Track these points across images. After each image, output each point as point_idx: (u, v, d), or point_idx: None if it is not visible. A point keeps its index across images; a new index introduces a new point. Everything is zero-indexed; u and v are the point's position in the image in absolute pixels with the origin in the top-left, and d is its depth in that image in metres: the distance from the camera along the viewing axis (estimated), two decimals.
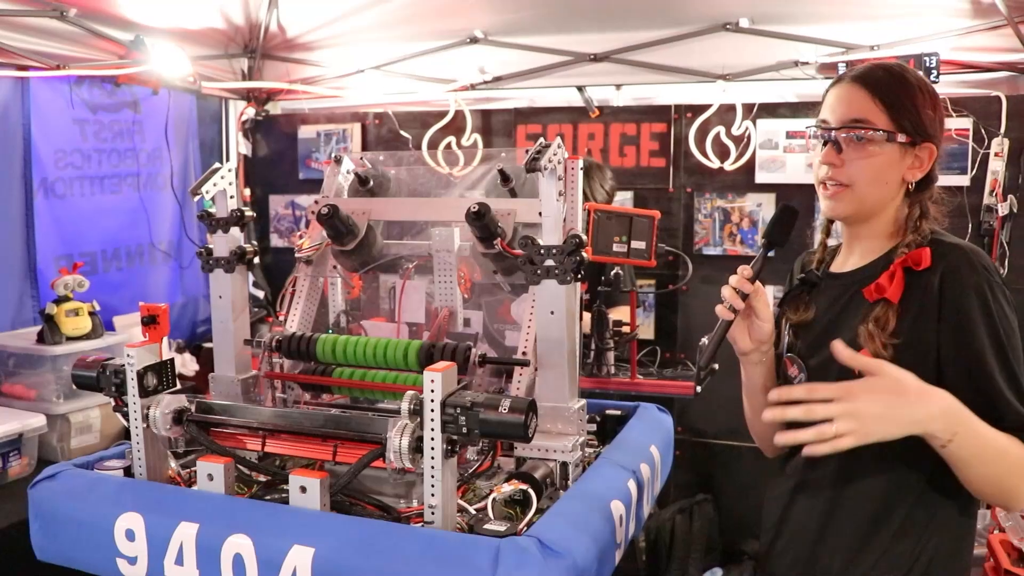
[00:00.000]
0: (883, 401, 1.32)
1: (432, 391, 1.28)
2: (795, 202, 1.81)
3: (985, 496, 1.45)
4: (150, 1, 3.39)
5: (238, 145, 4.33)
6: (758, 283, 1.57)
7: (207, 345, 3.78)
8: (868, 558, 1.53)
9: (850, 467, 1.53)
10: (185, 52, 3.54)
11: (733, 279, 1.55)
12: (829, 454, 1.40)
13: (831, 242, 1.76)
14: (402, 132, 4.08)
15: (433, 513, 1.32)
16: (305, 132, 4.29)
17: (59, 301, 2.95)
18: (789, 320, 1.68)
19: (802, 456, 1.60)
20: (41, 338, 2.93)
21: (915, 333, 1.43)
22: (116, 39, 3.39)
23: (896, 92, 1.52)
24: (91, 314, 3.01)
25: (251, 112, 4.29)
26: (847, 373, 1.40)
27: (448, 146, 3.86)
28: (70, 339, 2.94)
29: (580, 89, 3.81)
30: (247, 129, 4.35)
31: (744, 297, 1.54)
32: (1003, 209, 3.22)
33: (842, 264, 1.66)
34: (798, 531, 1.65)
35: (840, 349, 1.36)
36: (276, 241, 4.42)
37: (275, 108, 4.39)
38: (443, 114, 3.93)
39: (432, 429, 1.29)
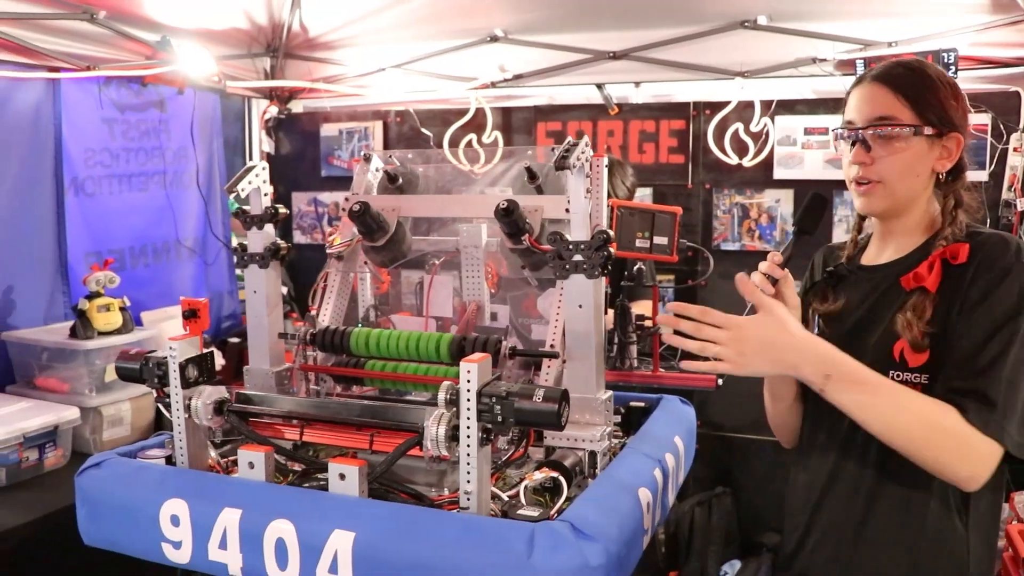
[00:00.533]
0: (764, 339, 1.43)
1: (468, 381, 1.33)
2: (827, 196, 1.83)
3: (913, 458, 1.44)
4: (176, 2, 3.45)
5: (261, 143, 4.40)
6: (786, 270, 1.60)
7: (232, 340, 3.84)
8: (912, 557, 1.56)
9: (888, 459, 1.53)
10: (209, 52, 3.60)
11: (763, 265, 1.58)
12: (865, 445, 1.52)
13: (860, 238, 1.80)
14: (423, 130, 4.14)
15: (469, 499, 1.37)
16: (327, 130, 4.36)
17: (91, 297, 3.01)
18: (817, 310, 1.72)
19: (832, 447, 1.64)
20: (74, 333, 2.99)
21: (949, 323, 1.47)
22: (143, 40, 3.45)
23: (918, 86, 1.56)
24: (122, 309, 3.08)
25: (274, 111, 4.36)
26: (877, 361, 1.48)
27: (469, 143, 3.91)
28: (102, 334, 3.00)
29: (599, 87, 3.85)
30: (270, 127, 4.41)
31: (774, 283, 1.58)
32: (1021, 204, 3.25)
33: (875, 258, 1.69)
34: (833, 526, 1.66)
35: (740, 279, 1.47)
36: (299, 238, 4.49)
37: (297, 107, 4.45)
38: (464, 112, 3.98)
39: (468, 418, 1.34)
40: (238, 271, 4.45)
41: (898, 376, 1.51)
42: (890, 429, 1.43)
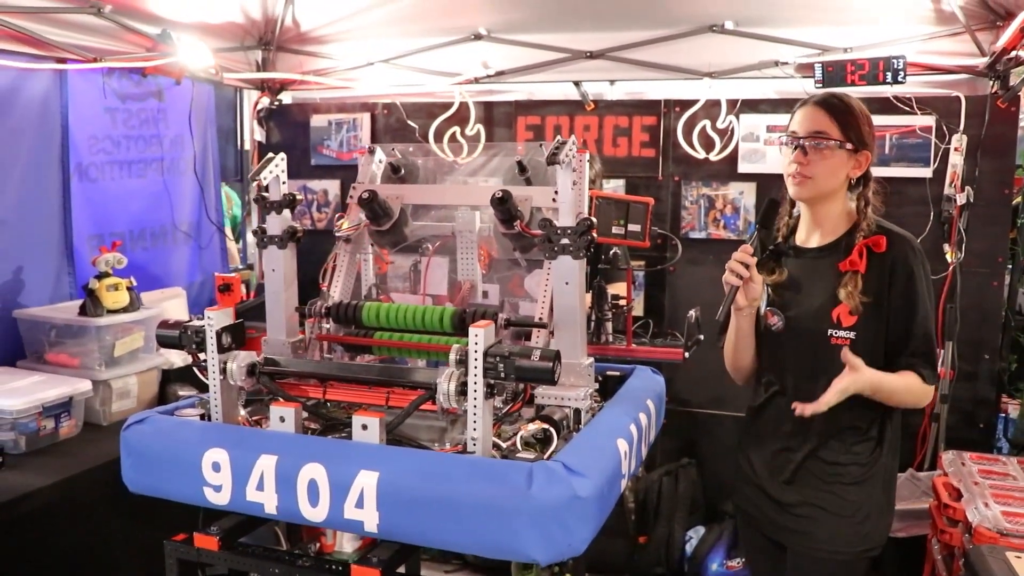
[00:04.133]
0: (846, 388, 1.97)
1: (476, 343, 1.57)
2: (774, 190, 2.22)
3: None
4: None
5: (253, 132, 4.56)
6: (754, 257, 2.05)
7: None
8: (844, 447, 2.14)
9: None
10: (206, 45, 3.78)
11: (737, 255, 2.03)
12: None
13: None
14: (409, 122, 4.32)
15: (475, 444, 1.61)
16: (317, 120, 4.51)
17: (100, 277, 3.19)
18: (766, 281, 2.16)
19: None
20: (83, 311, 3.16)
21: (875, 293, 2.04)
22: (145, 33, 3.61)
23: (844, 113, 2.09)
24: (129, 289, 3.26)
25: (265, 101, 4.52)
26: (820, 322, 2.08)
27: (453, 136, 4.10)
28: (110, 312, 3.17)
29: (577, 84, 4.04)
30: (261, 117, 4.56)
31: (747, 267, 2.03)
32: (961, 199, 3.50)
33: (806, 240, 2.21)
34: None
35: (846, 355, 1.97)
36: None
37: (287, 98, 4.61)
38: (448, 105, 4.15)
39: (476, 374, 1.58)
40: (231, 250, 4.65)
41: (836, 334, 2.07)
42: (900, 404, 2.09)
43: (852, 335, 2.05)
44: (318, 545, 1.98)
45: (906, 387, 2.04)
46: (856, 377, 1.95)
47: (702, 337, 2.43)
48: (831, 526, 2.10)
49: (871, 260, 2.05)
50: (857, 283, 2.04)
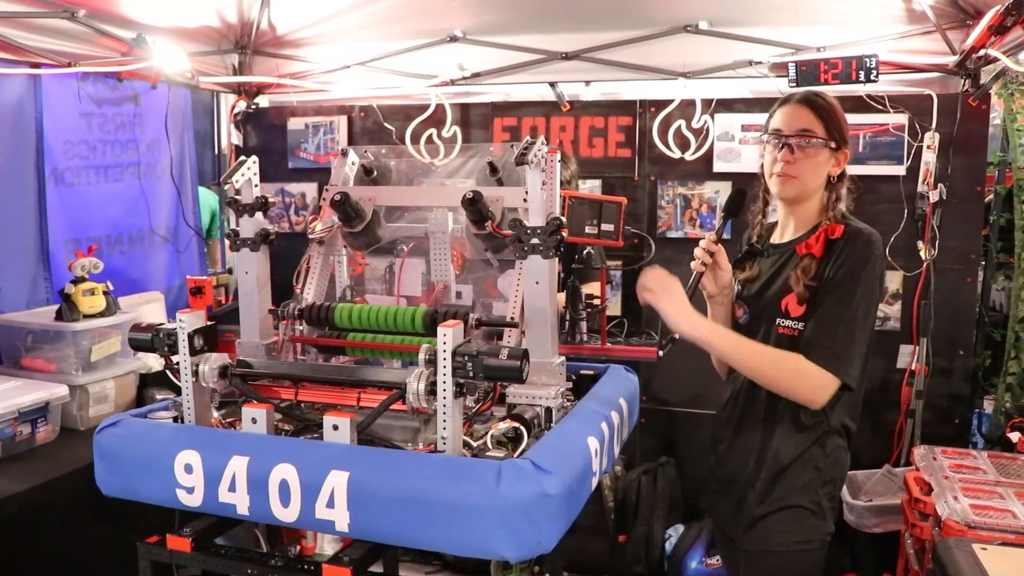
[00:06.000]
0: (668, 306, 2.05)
1: (444, 343, 1.58)
2: (749, 188, 2.28)
3: (769, 387, 2.06)
4: (151, 1, 3.61)
5: (230, 136, 4.55)
6: (719, 245, 2.15)
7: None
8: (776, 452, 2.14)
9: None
10: (181, 48, 3.77)
11: (702, 242, 2.13)
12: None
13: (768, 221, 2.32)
14: (386, 124, 4.32)
15: (444, 443, 1.62)
16: (294, 124, 4.51)
17: (76, 281, 3.17)
18: (737, 277, 2.25)
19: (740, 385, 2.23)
20: (60, 316, 3.15)
21: (822, 282, 2.03)
22: (120, 37, 3.60)
23: (828, 112, 2.11)
24: (105, 294, 3.25)
25: (242, 105, 4.51)
26: (772, 312, 2.11)
27: (430, 138, 4.11)
28: (87, 316, 3.16)
29: (552, 85, 4.07)
30: (238, 121, 4.55)
31: (711, 255, 2.15)
32: (934, 196, 3.54)
33: (780, 236, 2.25)
34: (729, 424, 2.32)
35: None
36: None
37: (264, 101, 4.60)
38: (425, 107, 4.15)
39: (444, 373, 1.59)
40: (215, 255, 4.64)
41: (783, 323, 2.09)
42: (750, 370, 2.05)
43: (800, 326, 2.05)
44: (299, 548, 1.99)
45: (754, 351, 2.01)
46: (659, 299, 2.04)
47: (677, 336, 2.44)
48: (756, 520, 2.15)
49: (827, 248, 2.05)
50: (810, 267, 2.04)
